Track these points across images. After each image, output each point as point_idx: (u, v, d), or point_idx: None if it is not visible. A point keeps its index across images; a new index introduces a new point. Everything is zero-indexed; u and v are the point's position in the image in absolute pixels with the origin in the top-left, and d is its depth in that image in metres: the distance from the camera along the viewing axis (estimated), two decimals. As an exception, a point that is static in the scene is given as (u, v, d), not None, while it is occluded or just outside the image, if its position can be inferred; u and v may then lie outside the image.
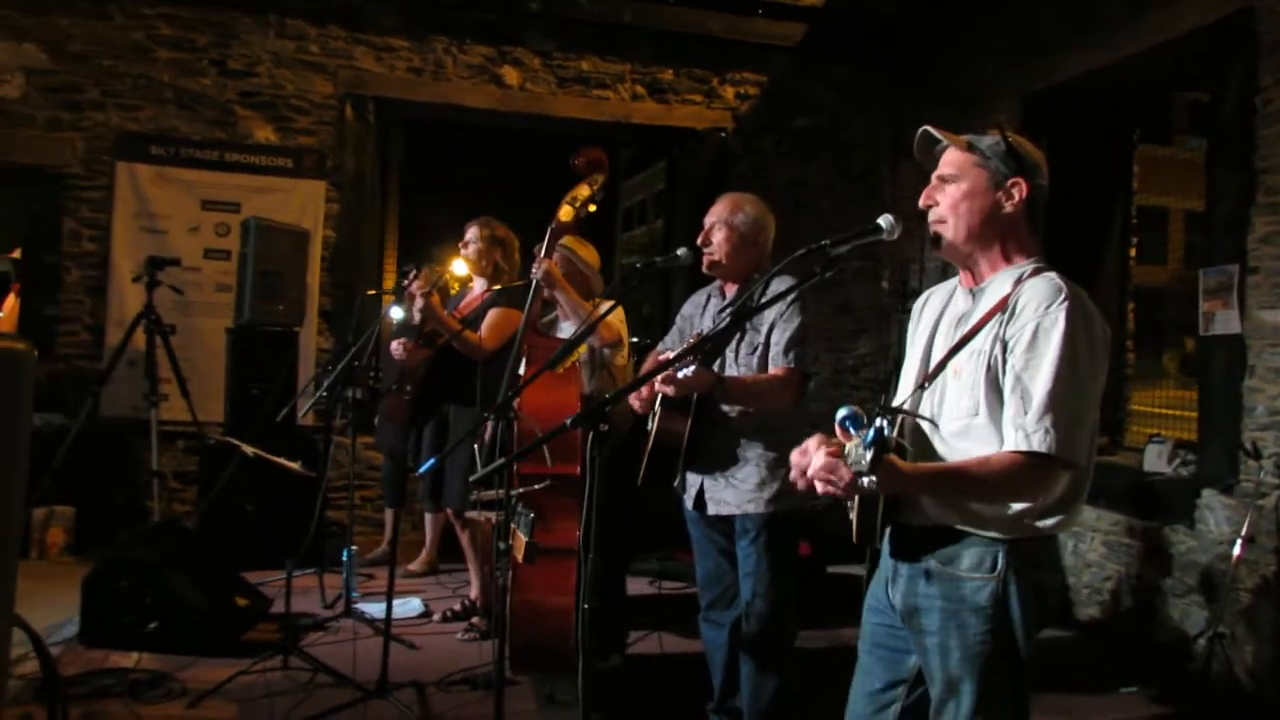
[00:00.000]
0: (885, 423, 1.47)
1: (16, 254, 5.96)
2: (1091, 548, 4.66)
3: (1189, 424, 4.44)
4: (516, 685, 3.52)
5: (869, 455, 1.49)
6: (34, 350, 0.96)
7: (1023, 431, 1.68)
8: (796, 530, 2.85)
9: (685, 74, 6.07)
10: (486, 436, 3.46)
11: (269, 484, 4.80)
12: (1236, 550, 3.51)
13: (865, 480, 1.53)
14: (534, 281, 3.32)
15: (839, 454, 1.62)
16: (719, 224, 2.87)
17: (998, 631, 1.78)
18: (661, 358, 3.11)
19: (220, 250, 5.58)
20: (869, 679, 2.01)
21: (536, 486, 2.70)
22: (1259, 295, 3.76)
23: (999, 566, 1.77)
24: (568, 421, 1.83)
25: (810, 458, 1.82)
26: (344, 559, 4.44)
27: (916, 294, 2.28)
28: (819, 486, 1.66)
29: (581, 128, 5.85)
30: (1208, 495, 3.95)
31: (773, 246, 2.95)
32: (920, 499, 1.82)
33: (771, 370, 2.74)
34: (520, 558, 2.84)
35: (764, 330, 2.78)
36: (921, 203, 1.94)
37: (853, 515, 1.84)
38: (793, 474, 1.84)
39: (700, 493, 2.87)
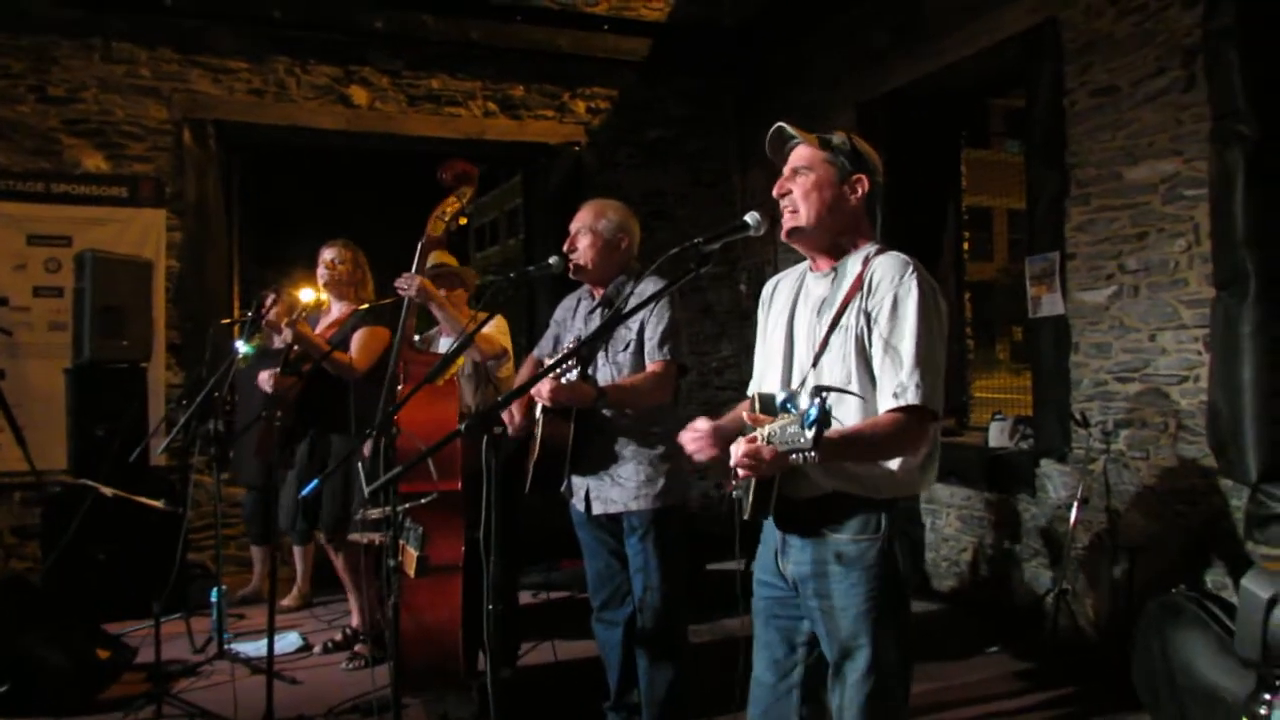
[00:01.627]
0: (823, 401, 1.56)
1: None
2: (947, 523, 4.97)
3: (1023, 405, 4.83)
4: (408, 707, 3.46)
5: (811, 433, 1.57)
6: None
7: (899, 389, 1.85)
8: (683, 524, 2.93)
9: (536, 90, 6.12)
10: (367, 454, 3.40)
11: (123, 529, 4.55)
12: (1073, 513, 3.82)
13: (806, 456, 1.62)
14: (405, 299, 3.29)
15: (754, 439, 1.72)
16: (583, 230, 2.94)
17: (886, 588, 1.94)
18: (537, 361, 3.16)
19: (51, 287, 5.24)
20: (769, 650, 2.12)
21: (423, 501, 2.68)
22: (1078, 278, 4.12)
23: (883, 527, 1.94)
24: (461, 428, 1.84)
25: (703, 436, 1.96)
26: (213, 600, 4.24)
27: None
28: (741, 472, 1.75)
29: (435, 145, 5.81)
30: (1045, 464, 4.29)
31: (637, 249, 3.03)
32: (808, 470, 1.94)
33: (648, 366, 2.82)
34: (411, 572, 2.80)
35: (634, 327, 2.86)
36: (775, 191, 2.08)
37: (748, 494, 1.93)
38: (689, 448, 1.98)
39: (587, 494, 2.91)
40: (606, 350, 2.88)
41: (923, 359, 1.87)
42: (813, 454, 1.62)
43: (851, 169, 2.03)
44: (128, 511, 4.47)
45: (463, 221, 3.45)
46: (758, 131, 2.06)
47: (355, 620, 4.14)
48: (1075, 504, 3.82)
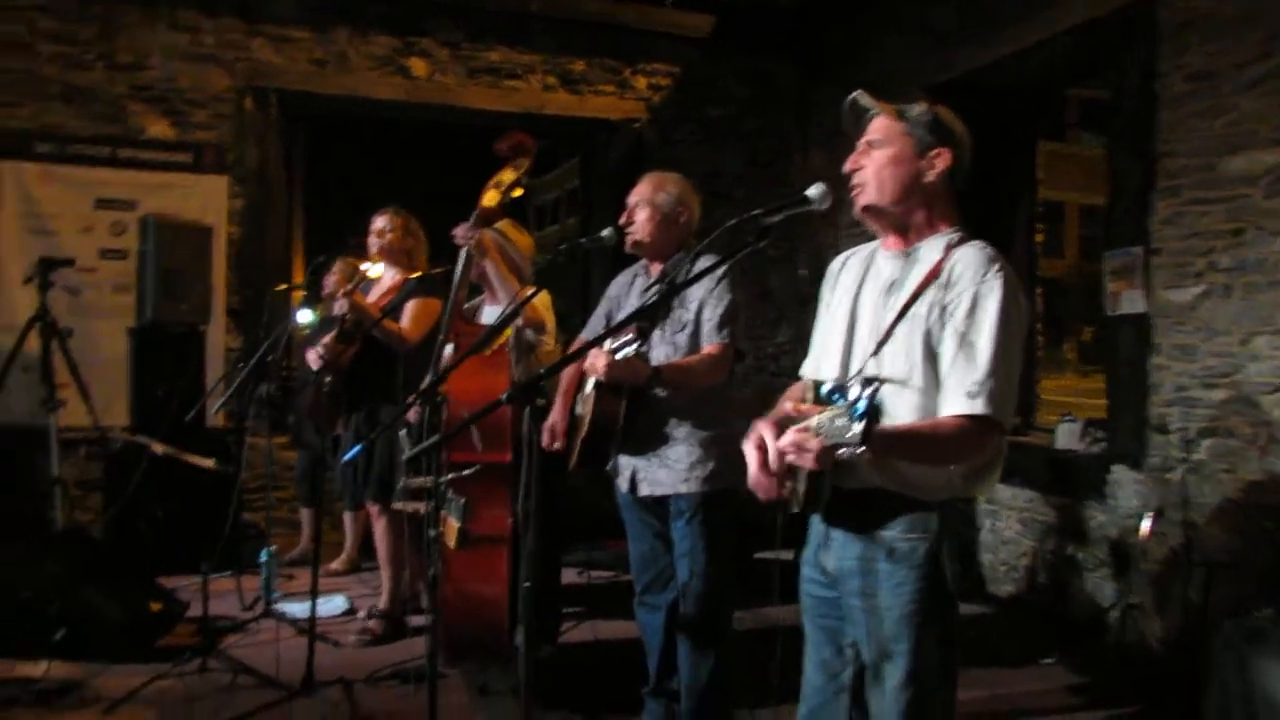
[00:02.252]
0: (873, 393, 1.47)
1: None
2: (1008, 525, 4.81)
3: (1089, 408, 4.63)
4: (447, 678, 3.46)
5: (859, 426, 1.48)
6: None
7: (969, 396, 1.73)
8: (732, 509, 2.87)
9: (597, 64, 6.05)
10: (413, 421, 3.40)
11: (180, 487, 4.63)
12: (1146, 524, 3.61)
13: (853, 451, 1.51)
14: (462, 252, 3.25)
15: (805, 429, 1.64)
16: (642, 203, 2.88)
17: (932, 590, 1.83)
18: (586, 342, 3.11)
19: (117, 250, 5.33)
20: (817, 650, 2.04)
21: (466, 472, 2.66)
22: (1163, 275, 3.88)
23: (931, 527, 1.83)
24: (503, 396, 1.80)
25: (759, 439, 1.81)
26: (262, 560, 4.30)
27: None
28: (790, 457, 1.65)
29: (493, 119, 5.78)
30: (1118, 470, 4.08)
31: (697, 225, 2.97)
32: (858, 468, 1.85)
33: (705, 348, 2.75)
34: (452, 543, 2.79)
35: (693, 308, 2.79)
36: (847, 167, 1.97)
37: (800, 485, 1.85)
38: (751, 475, 1.81)
39: (634, 475, 2.86)
40: (663, 330, 2.82)
41: (998, 365, 1.74)
42: (861, 450, 1.52)
43: (932, 142, 1.89)
44: (185, 470, 4.57)
45: (518, 193, 3.39)
46: (816, 112, 1.96)
47: (383, 601, 4.10)
48: (1149, 514, 3.63)
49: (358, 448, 2.40)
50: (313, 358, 4.02)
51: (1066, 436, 4.52)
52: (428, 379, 2.77)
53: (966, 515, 1.93)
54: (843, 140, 2.06)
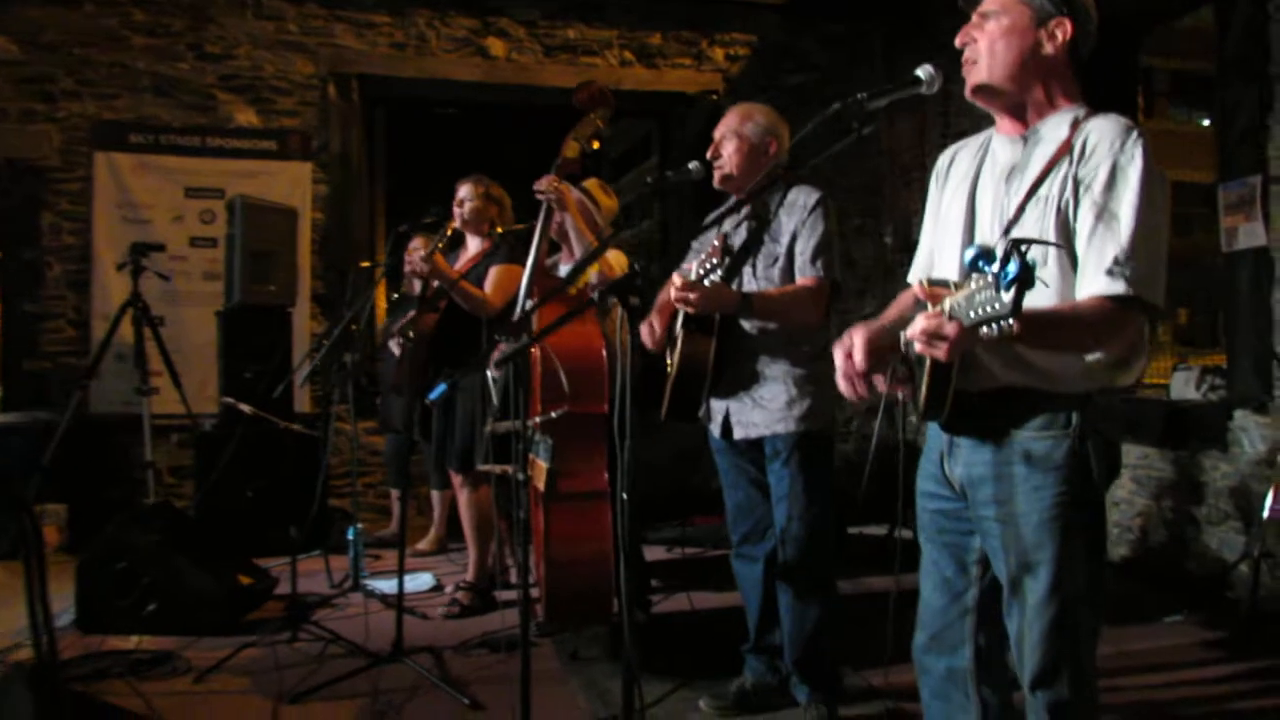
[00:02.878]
0: (1024, 254, 1.29)
1: (-3, 255, 5.79)
2: (1119, 485, 4.51)
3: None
4: (538, 646, 3.37)
5: (1009, 295, 1.29)
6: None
7: (1109, 275, 1.54)
8: (830, 451, 2.71)
9: (673, 37, 5.95)
10: (495, 373, 3.30)
11: (268, 469, 4.66)
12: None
13: (1003, 325, 1.32)
14: (543, 208, 3.17)
15: (937, 314, 1.48)
16: (729, 135, 2.74)
17: (1075, 491, 1.65)
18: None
19: (206, 238, 5.42)
20: (937, 568, 1.87)
21: (554, 414, 2.55)
22: None
23: (1073, 423, 1.65)
24: (594, 295, 1.68)
25: (857, 346, 1.68)
26: (350, 538, 4.28)
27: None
28: (918, 348, 1.49)
29: (570, 96, 5.70)
30: (1240, 416, 3.82)
31: (787, 157, 2.81)
32: (984, 360, 1.68)
33: (799, 280, 2.59)
34: (540, 485, 2.68)
35: (784, 241, 2.64)
36: (958, 41, 1.79)
37: (920, 388, 1.69)
38: (839, 374, 1.72)
39: (726, 418, 2.72)
40: (754, 265, 2.67)
41: (1140, 244, 1.54)
42: (1010, 322, 1.33)
43: (1052, 10, 1.70)
44: (273, 453, 4.61)
45: (596, 145, 3.31)
46: (904, 75, 1.79)
47: (470, 574, 4.02)
48: (1271, 492, 3.36)
49: (443, 386, 2.32)
50: (395, 345, 3.98)
51: (1181, 385, 4.22)
52: (515, 316, 2.66)
53: (1111, 409, 1.71)
54: (932, 102, 1.90)
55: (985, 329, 1.37)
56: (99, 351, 4.65)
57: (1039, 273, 1.61)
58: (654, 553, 4.76)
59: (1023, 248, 1.27)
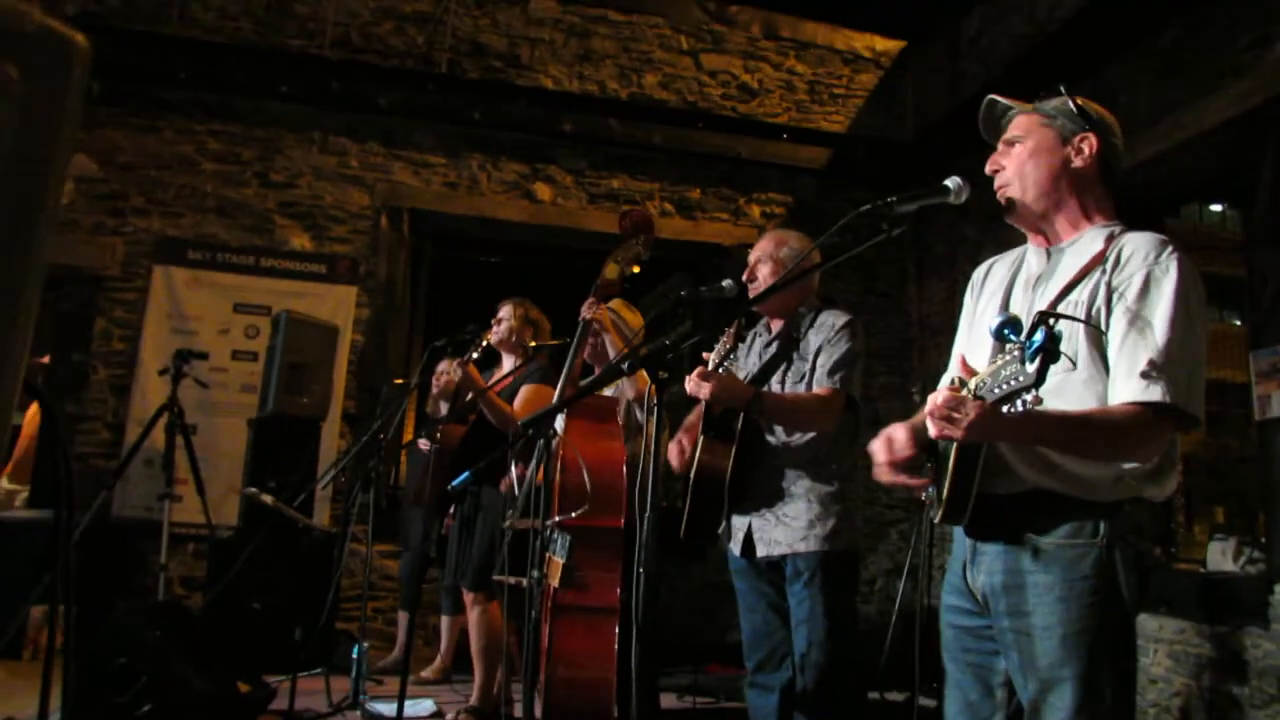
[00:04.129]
0: (1051, 326, 1.31)
1: (46, 359, 5.97)
2: (1156, 661, 4.31)
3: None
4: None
5: (1033, 366, 1.31)
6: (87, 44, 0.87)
7: (1143, 378, 1.54)
8: (855, 574, 2.65)
9: (712, 193, 6.24)
10: (515, 483, 3.30)
11: (278, 584, 4.61)
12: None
13: (1024, 398, 1.33)
14: (580, 324, 3.26)
15: (957, 390, 1.50)
16: (764, 258, 2.84)
17: (1103, 604, 1.59)
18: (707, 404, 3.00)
19: (248, 352, 5.58)
20: (961, 692, 1.79)
21: (574, 515, 2.54)
22: None
23: (1101, 532, 1.60)
24: (624, 366, 1.72)
25: (899, 434, 1.72)
26: (354, 655, 4.16)
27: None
28: (934, 429, 1.51)
29: (610, 241, 5.91)
30: (1281, 590, 3.69)
31: (818, 282, 2.90)
32: (1012, 463, 1.67)
33: (815, 389, 2.62)
34: (555, 582, 2.63)
35: (810, 358, 2.69)
36: (988, 169, 1.88)
37: (942, 488, 1.68)
38: (876, 464, 1.74)
39: (748, 535, 2.68)
40: (783, 382, 2.71)
41: (1175, 352, 1.54)
42: (1034, 393, 1.34)
43: (1075, 128, 1.78)
44: (287, 564, 4.58)
45: (636, 270, 3.43)
46: (932, 241, 1.91)
47: (475, 698, 3.89)
48: None
49: (467, 474, 2.32)
50: (424, 444, 4.02)
51: (1218, 557, 4.09)
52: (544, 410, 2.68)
53: (1139, 523, 1.67)
54: (959, 267, 2.00)
55: (1006, 408, 1.38)
56: (130, 451, 4.73)
57: (1068, 376, 1.64)
58: (665, 700, 4.57)
59: (1050, 320, 1.30)
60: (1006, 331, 1.37)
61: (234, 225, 5.67)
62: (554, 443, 2.70)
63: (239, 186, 5.70)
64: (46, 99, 0.84)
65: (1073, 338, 1.64)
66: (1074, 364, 1.61)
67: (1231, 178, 4.29)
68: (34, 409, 6.22)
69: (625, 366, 1.75)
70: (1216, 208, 7.47)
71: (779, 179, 6.28)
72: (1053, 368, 1.62)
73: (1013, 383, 1.35)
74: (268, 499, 3.45)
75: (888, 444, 1.72)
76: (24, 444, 6.06)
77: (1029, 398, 1.33)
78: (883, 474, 1.72)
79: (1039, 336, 1.30)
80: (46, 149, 0.85)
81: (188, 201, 5.63)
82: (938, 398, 1.50)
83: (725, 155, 6.11)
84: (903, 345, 6.27)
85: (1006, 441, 1.61)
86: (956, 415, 1.47)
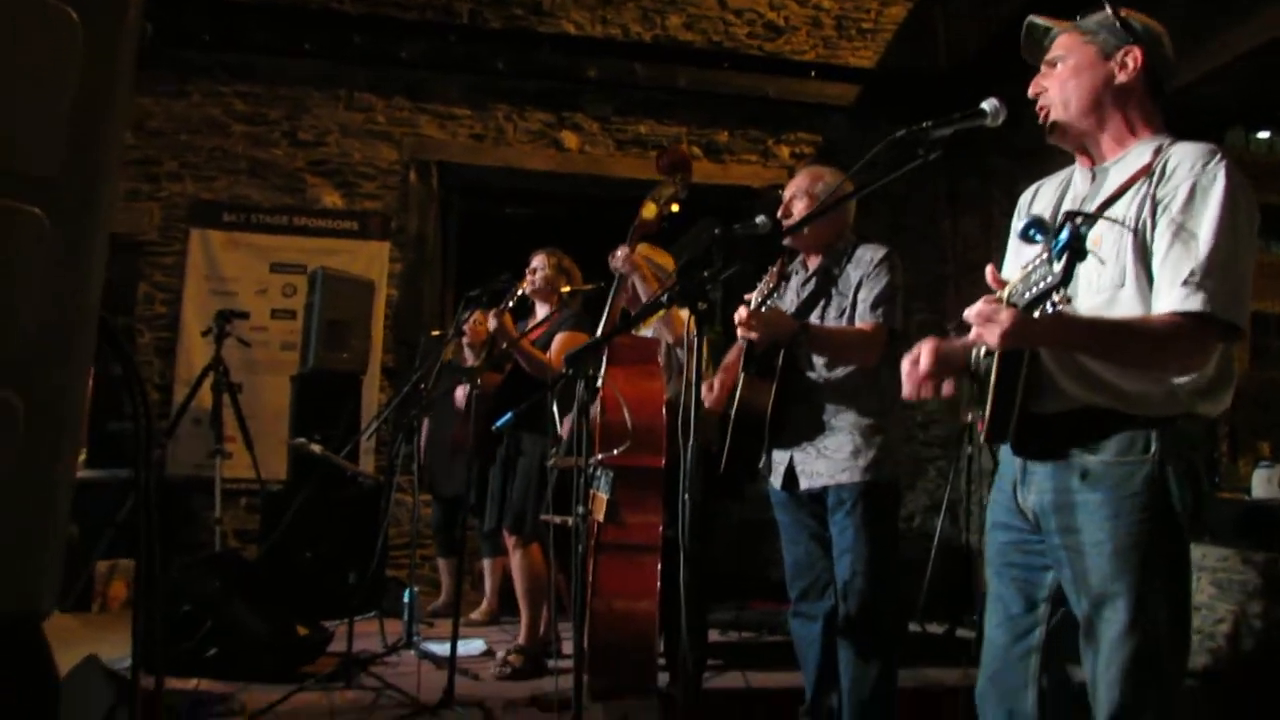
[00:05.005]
0: (1077, 225, 1.32)
1: (91, 324, 6.08)
2: (1199, 589, 4.29)
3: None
4: (586, 709, 3.29)
5: (1060, 264, 1.32)
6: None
7: (1186, 290, 1.53)
8: (896, 503, 2.69)
9: (740, 135, 6.18)
10: (560, 449, 3.37)
11: (329, 534, 4.74)
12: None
13: (1052, 298, 1.34)
14: (616, 274, 3.28)
15: (995, 299, 1.52)
16: (799, 194, 2.84)
17: (1156, 521, 1.59)
18: (741, 348, 3.02)
19: (286, 310, 5.66)
20: (1003, 605, 1.81)
21: (615, 451, 2.58)
22: None
23: (1153, 448, 1.60)
24: (663, 298, 1.75)
25: (924, 359, 1.74)
26: (405, 600, 4.28)
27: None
28: (972, 334, 1.53)
29: (639, 187, 5.90)
30: (1327, 509, 3.67)
31: (853, 218, 2.90)
32: (1059, 380, 1.68)
33: (858, 324, 2.63)
34: (600, 516, 2.69)
35: (850, 294, 2.69)
36: (1031, 91, 1.86)
37: (987, 406, 1.69)
38: (904, 378, 1.77)
39: (790, 468, 2.72)
40: (822, 318, 2.73)
41: (1220, 262, 1.52)
42: (1062, 292, 1.35)
43: (1118, 42, 1.74)
44: (336, 515, 4.71)
45: (675, 208, 3.43)
46: (967, 177, 1.88)
47: (523, 637, 3.99)
48: None
49: (510, 415, 2.37)
50: (460, 395, 4.08)
51: (1264, 484, 4.07)
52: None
53: (1193, 436, 1.66)
54: (995, 201, 1.97)
55: (1036, 312, 1.39)
56: (179, 411, 4.86)
57: (1116, 294, 1.63)
58: (709, 635, 4.66)
59: (1077, 219, 1.30)
60: (1033, 232, 1.39)
61: (266, 186, 5.72)
62: (596, 382, 2.73)
63: (268, 147, 5.74)
64: (104, 40, 0.87)
65: (1120, 254, 1.63)
66: (1121, 282, 1.61)
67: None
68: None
69: (664, 299, 1.76)
70: (1264, 134, 7.27)
71: (808, 118, 6.20)
72: (1100, 283, 1.64)
73: (1041, 284, 1.36)
74: (316, 448, 3.54)
75: (913, 362, 1.75)
76: (76, 408, 6.23)
77: (1057, 298, 1.35)
78: (907, 389, 1.77)
79: (1065, 235, 1.31)
80: (107, 92, 0.88)
81: (219, 164, 5.68)
82: (974, 306, 1.52)
83: (752, 95, 6.04)
84: (937, 282, 6.21)
85: (1042, 346, 1.62)
86: (992, 323, 1.48)
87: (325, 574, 4.69)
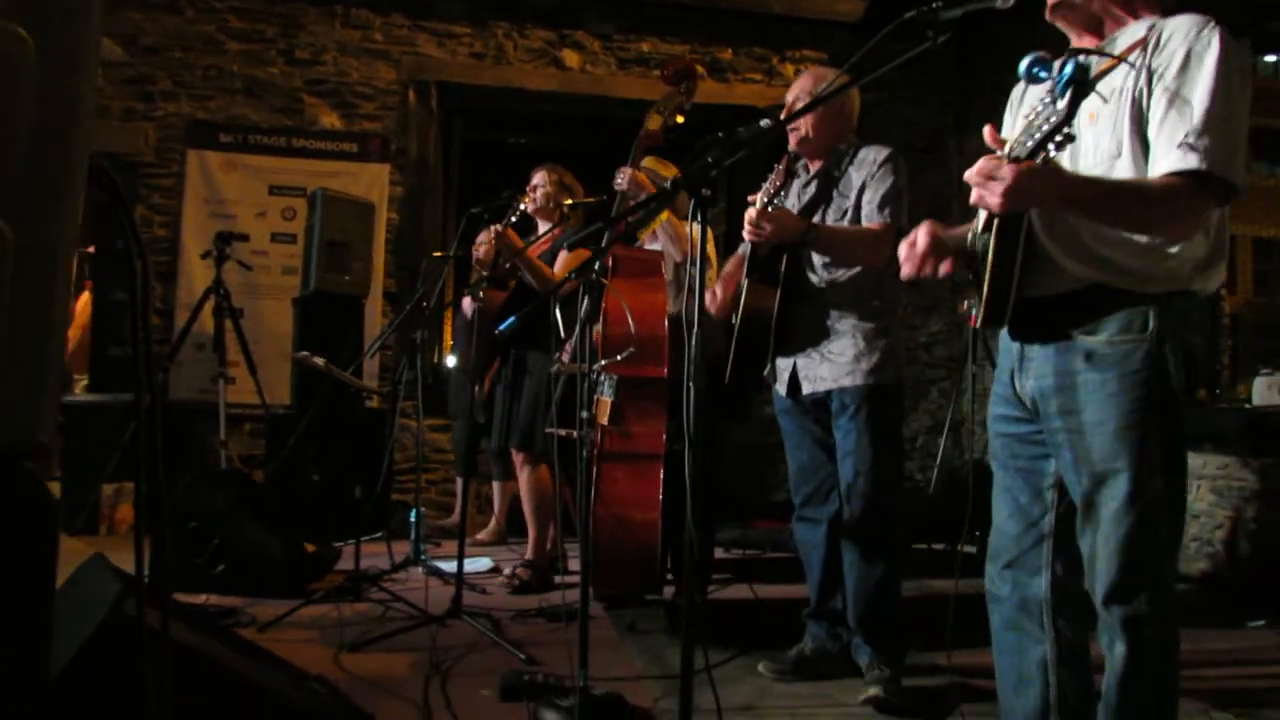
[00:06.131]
0: (1080, 61, 1.29)
1: (90, 249, 6.07)
2: (1197, 496, 4.34)
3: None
4: (594, 619, 3.34)
5: (1064, 102, 1.30)
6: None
7: (1182, 150, 1.52)
8: (899, 406, 2.69)
9: (745, 53, 6.05)
10: (565, 358, 3.36)
11: (335, 456, 4.76)
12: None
13: (1056, 137, 1.31)
14: (618, 193, 3.24)
15: (996, 156, 1.50)
16: (803, 97, 2.77)
17: (1154, 398, 1.60)
18: (741, 257, 2.99)
19: (287, 234, 5.61)
20: (1011, 496, 1.83)
21: (619, 357, 2.57)
22: None
23: (1150, 326, 1.61)
24: (668, 184, 1.71)
25: (921, 239, 1.74)
26: (411, 519, 4.32)
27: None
28: (974, 196, 1.52)
29: (642, 107, 5.79)
30: (1329, 417, 3.68)
31: (857, 120, 2.84)
32: (1057, 258, 1.66)
33: (865, 224, 2.60)
34: (604, 419, 2.69)
35: (853, 195, 2.66)
36: None
37: (983, 287, 1.68)
38: (903, 264, 1.77)
39: (794, 375, 2.71)
40: (824, 218, 2.69)
41: (1215, 121, 1.51)
42: (1067, 130, 1.33)
43: None
44: (342, 438, 4.72)
45: (680, 120, 3.37)
46: (978, 94, 1.82)
47: (530, 552, 4.03)
48: None
49: (513, 318, 2.35)
50: (466, 304, 4.06)
51: (1264, 391, 4.07)
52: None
53: (1189, 315, 1.67)
54: (1001, 121, 1.91)
55: (1040, 156, 1.37)
56: (181, 334, 4.84)
57: (1113, 164, 1.62)
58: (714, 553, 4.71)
59: (1080, 54, 1.28)
60: (1037, 69, 1.36)
61: (263, 106, 5.63)
62: (600, 290, 2.71)
63: (265, 66, 5.63)
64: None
65: (1117, 125, 1.62)
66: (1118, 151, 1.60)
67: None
68: (84, 298, 6.38)
69: (669, 185, 1.73)
70: (1271, 58, 7.16)
71: (813, 35, 6.06)
72: (1098, 155, 1.62)
73: (1045, 126, 1.35)
74: (319, 361, 3.52)
75: (910, 244, 1.76)
76: (76, 334, 6.23)
77: (1060, 137, 1.33)
78: (905, 269, 1.77)
79: (1068, 69, 1.29)
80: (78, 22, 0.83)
81: (215, 83, 5.58)
82: (975, 166, 1.50)
83: (756, 12, 5.90)
84: (943, 203, 6.13)
85: (1043, 205, 1.60)
86: (993, 181, 1.47)
87: (332, 495, 4.72)
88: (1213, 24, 1.59)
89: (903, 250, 1.77)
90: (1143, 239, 1.60)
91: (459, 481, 5.31)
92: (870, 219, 2.59)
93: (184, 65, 5.56)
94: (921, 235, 1.74)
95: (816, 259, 2.66)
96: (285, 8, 5.63)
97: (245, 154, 5.58)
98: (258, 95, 5.62)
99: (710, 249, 3.60)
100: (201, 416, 5.23)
